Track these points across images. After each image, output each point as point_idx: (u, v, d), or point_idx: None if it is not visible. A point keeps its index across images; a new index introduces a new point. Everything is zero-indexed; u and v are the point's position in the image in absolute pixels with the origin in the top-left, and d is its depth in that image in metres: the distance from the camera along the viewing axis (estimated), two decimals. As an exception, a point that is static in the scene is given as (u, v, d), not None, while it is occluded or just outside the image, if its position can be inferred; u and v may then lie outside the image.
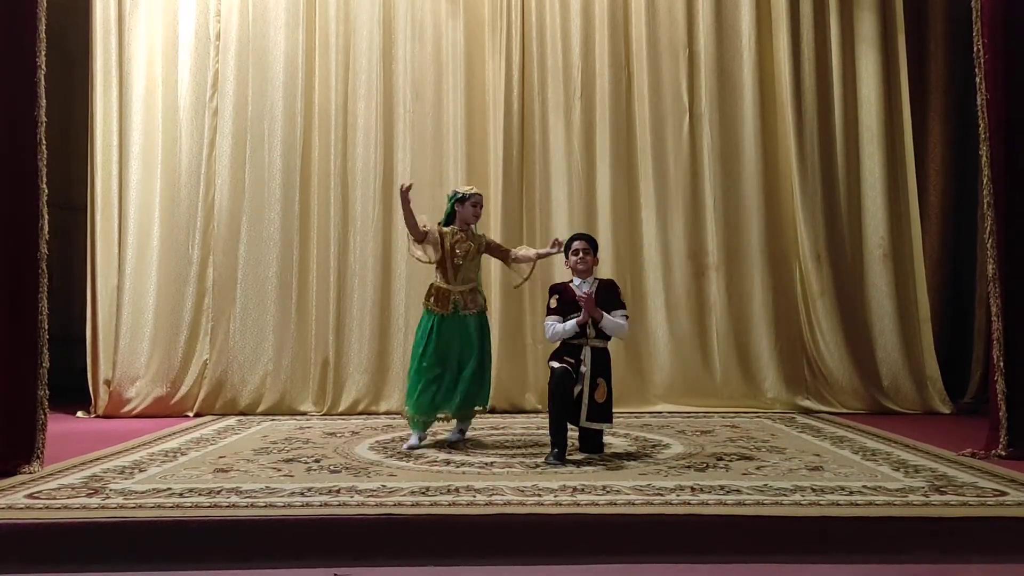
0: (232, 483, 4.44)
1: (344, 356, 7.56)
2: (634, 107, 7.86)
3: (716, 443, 5.66)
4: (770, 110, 7.81)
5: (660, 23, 7.85)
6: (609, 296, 5.31)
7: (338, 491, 4.23)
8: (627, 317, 5.39)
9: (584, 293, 5.20)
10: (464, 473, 4.71)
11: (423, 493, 4.16)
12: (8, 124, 4.78)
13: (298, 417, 7.23)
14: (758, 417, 7.00)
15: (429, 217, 5.80)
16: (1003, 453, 5.08)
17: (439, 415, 5.67)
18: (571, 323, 5.21)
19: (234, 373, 7.49)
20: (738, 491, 4.19)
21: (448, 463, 5.02)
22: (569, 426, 5.15)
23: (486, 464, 4.97)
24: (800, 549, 3.65)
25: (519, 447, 5.59)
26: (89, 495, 4.18)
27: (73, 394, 7.44)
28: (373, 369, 7.53)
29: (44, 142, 4.86)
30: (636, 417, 6.98)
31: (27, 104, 4.80)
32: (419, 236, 5.61)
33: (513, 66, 7.76)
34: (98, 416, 7.30)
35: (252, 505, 3.98)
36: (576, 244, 5.42)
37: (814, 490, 4.21)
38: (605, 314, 5.23)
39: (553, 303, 5.36)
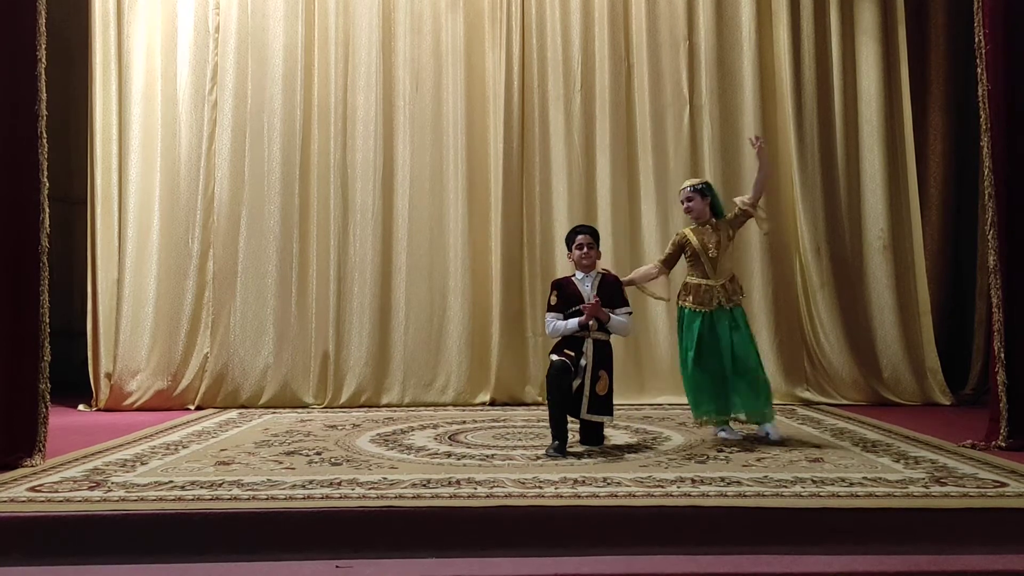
0: (234, 476, 4.45)
1: (344, 349, 7.57)
2: (634, 99, 7.85)
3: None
4: (770, 102, 7.81)
5: (660, 15, 7.84)
6: (612, 293, 5.30)
7: (339, 483, 4.23)
8: (630, 314, 5.39)
9: (591, 302, 5.16)
10: (465, 465, 4.71)
11: (424, 485, 4.17)
12: (9, 118, 4.78)
13: (299, 410, 7.24)
14: (758, 409, 7.00)
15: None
16: (1003, 444, 5.07)
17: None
18: (572, 323, 5.20)
19: (235, 366, 7.50)
20: (739, 483, 4.20)
21: (449, 455, 5.03)
22: (569, 418, 5.15)
23: (487, 456, 4.98)
24: (800, 540, 3.65)
25: (519, 439, 5.59)
26: (91, 488, 4.19)
27: (74, 388, 7.47)
28: (374, 362, 7.54)
29: (45, 136, 4.86)
30: (636, 409, 6.99)
31: (28, 98, 4.80)
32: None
33: (513, 58, 7.76)
34: (99, 409, 7.32)
35: (254, 498, 3.98)
36: (580, 238, 5.38)
37: (814, 482, 4.22)
38: (612, 315, 5.24)
39: (553, 299, 5.35)
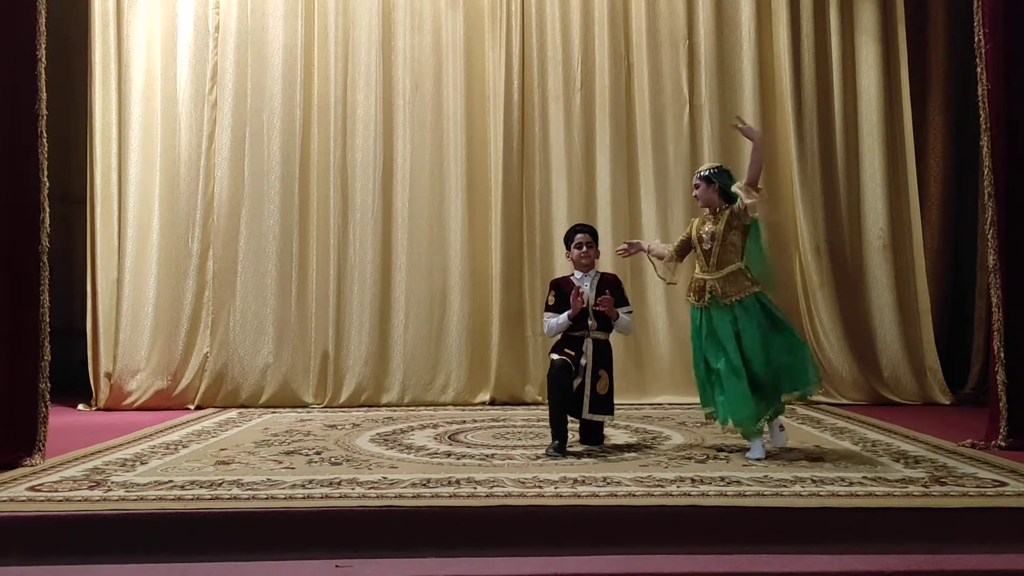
0: (233, 475, 4.45)
1: (344, 348, 7.56)
2: (634, 98, 7.85)
3: (716, 435, 5.64)
4: (770, 101, 7.81)
5: (660, 14, 7.85)
6: (612, 292, 5.29)
7: (339, 483, 4.24)
8: (630, 313, 5.39)
9: (603, 298, 5.15)
10: (465, 465, 4.72)
11: (424, 485, 4.17)
12: (9, 117, 4.78)
13: (299, 409, 7.24)
14: (758, 408, 6.99)
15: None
16: (1003, 444, 5.08)
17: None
18: (563, 316, 5.20)
19: (235, 366, 7.50)
20: (738, 482, 4.20)
21: (449, 455, 5.03)
22: (569, 418, 5.15)
23: (487, 456, 4.98)
24: (800, 540, 3.65)
25: (519, 439, 5.59)
26: (91, 487, 4.19)
27: (74, 387, 7.46)
28: (373, 361, 7.54)
29: (45, 135, 4.86)
30: (636, 409, 6.99)
31: (28, 97, 4.80)
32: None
33: (513, 57, 7.75)
34: (99, 409, 7.31)
35: (254, 497, 3.98)
36: (579, 237, 5.38)
37: (814, 481, 4.22)
38: (621, 313, 5.24)
39: (551, 299, 5.35)
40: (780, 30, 7.76)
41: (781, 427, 5.14)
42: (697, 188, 5.17)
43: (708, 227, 5.09)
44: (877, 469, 4.52)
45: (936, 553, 3.56)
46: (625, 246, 5.58)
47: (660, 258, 5.37)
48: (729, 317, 4.94)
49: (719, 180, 5.11)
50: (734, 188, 5.05)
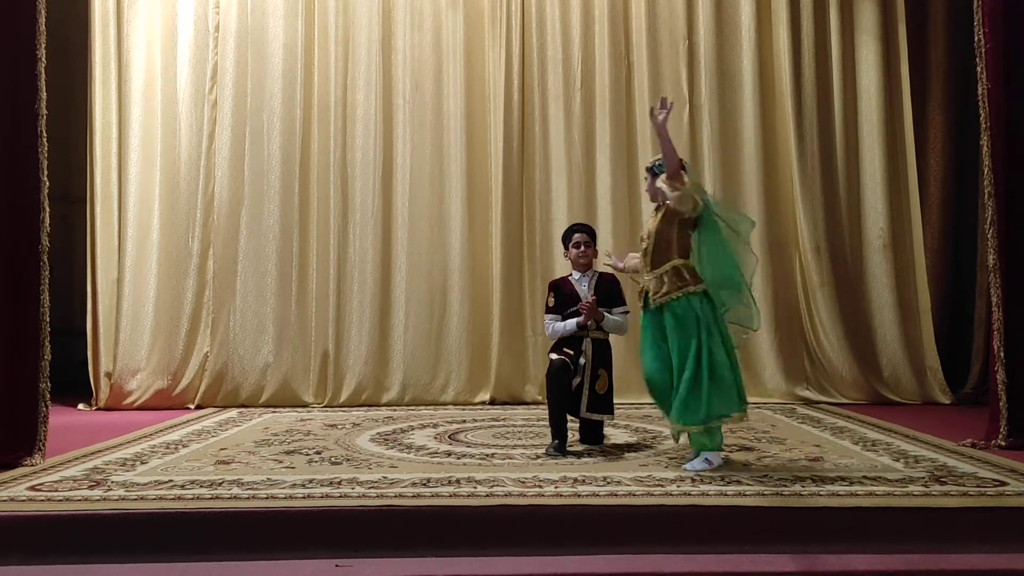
0: (234, 475, 4.45)
1: (344, 348, 7.57)
2: (634, 98, 7.84)
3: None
4: (770, 101, 7.81)
5: (660, 14, 7.84)
6: (609, 292, 5.30)
7: (339, 483, 4.23)
8: (627, 313, 5.38)
9: (587, 302, 5.15)
10: (465, 465, 4.72)
11: (424, 484, 4.17)
12: (9, 117, 4.78)
13: (299, 409, 7.24)
14: (758, 408, 6.98)
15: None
16: (1003, 443, 5.08)
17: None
18: (571, 323, 5.20)
19: (235, 365, 7.50)
20: (739, 482, 4.20)
21: (449, 454, 5.03)
22: (569, 418, 5.15)
23: (487, 455, 4.98)
24: (801, 539, 3.66)
25: (519, 438, 5.59)
26: (91, 487, 4.19)
27: (74, 387, 7.46)
28: (374, 361, 7.54)
29: (45, 135, 4.86)
30: (636, 408, 6.98)
31: (28, 97, 4.80)
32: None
33: (513, 57, 7.76)
34: (99, 409, 7.31)
35: (254, 497, 3.98)
36: (577, 236, 5.38)
37: (814, 480, 4.22)
38: (607, 314, 5.23)
39: (551, 301, 5.35)
40: (780, 30, 7.76)
41: (707, 460, 4.50)
42: (646, 180, 4.82)
43: (648, 224, 4.77)
44: (877, 468, 4.52)
45: (936, 553, 3.56)
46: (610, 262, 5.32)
47: (636, 271, 4.99)
48: (659, 319, 4.61)
49: (663, 173, 4.62)
50: (658, 183, 4.61)
